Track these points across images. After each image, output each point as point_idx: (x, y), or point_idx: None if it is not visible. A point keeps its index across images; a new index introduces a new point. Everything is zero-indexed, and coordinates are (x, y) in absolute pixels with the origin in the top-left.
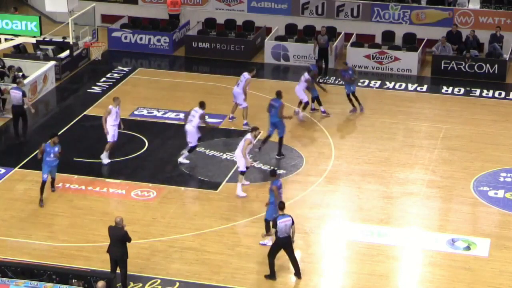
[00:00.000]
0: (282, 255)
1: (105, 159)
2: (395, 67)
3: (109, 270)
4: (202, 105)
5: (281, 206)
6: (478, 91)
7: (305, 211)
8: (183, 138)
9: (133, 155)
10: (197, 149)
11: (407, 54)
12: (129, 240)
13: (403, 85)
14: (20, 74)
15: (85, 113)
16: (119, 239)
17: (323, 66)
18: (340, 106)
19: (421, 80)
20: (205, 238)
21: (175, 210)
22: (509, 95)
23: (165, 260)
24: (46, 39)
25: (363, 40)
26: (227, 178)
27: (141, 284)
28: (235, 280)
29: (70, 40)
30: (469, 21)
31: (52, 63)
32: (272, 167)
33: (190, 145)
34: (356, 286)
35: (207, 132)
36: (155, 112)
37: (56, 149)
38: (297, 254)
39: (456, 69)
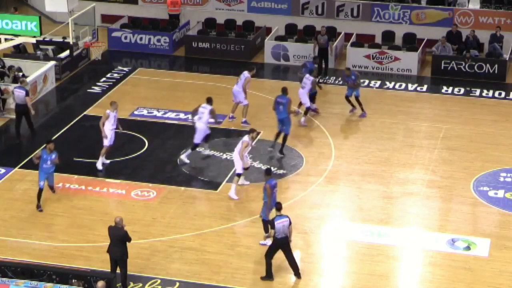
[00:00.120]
0: (279, 256)
1: (100, 165)
2: (395, 67)
3: (109, 270)
4: (210, 100)
5: (278, 206)
6: (478, 91)
7: (305, 211)
8: (183, 138)
9: (133, 155)
10: (197, 149)
11: (407, 54)
12: (129, 240)
13: (403, 85)
14: (20, 74)
15: (85, 113)
16: (119, 239)
17: (323, 66)
18: (340, 106)
19: (421, 80)
20: (205, 238)
21: (175, 210)
22: (509, 95)
23: (165, 260)
24: (46, 39)
25: (363, 40)
26: (227, 178)
27: (141, 284)
28: (235, 280)
29: (70, 40)
30: (469, 21)
31: (52, 63)
32: (272, 167)
33: (195, 141)
34: (356, 286)
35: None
36: (155, 112)
37: (53, 156)
38: (297, 254)
39: (456, 69)
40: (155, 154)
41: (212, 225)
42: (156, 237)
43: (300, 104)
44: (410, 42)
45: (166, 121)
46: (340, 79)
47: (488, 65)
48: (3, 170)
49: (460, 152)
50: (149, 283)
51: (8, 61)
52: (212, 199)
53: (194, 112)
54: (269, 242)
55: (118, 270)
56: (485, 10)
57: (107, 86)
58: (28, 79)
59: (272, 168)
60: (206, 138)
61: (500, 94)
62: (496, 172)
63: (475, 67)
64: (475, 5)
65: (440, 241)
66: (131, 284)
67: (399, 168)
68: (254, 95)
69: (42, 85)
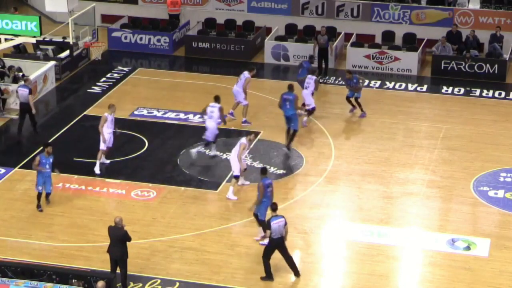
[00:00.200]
0: (277, 256)
1: (97, 169)
2: (395, 67)
3: (109, 270)
4: (217, 98)
5: (274, 207)
6: (478, 91)
7: (305, 211)
8: (183, 138)
9: (133, 155)
10: (203, 149)
11: (407, 54)
12: (129, 239)
13: (403, 85)
14: (20, 74)
15: (85, 113)
16: (119, 239)
17: (323, 66)
18: (339, 106)
19: (421, 80)
20: (205, 238)
21: (175, 210)
22: (509, 95)
23: (165, 260)
24: (46, 39)
25: (363, 40)
26: (227, 178)
27: (141, 284)
28: (235, 280)
29: (70, 40)
30: (469, 21)
31: (52, 63)
32: (272, 167)
33: (207, 139)
34: (356, 286)
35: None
36: (155, 112)
37: (51, 160)
38: (297, 254)
39: (456, 69)
40: (155, 154)
41: (212, 225)
42: (156, 237)
43: (303, 104)
44: (410, 42)
45: (166, 121)
46: (340, 79)
47: (488, 65)
48: (3, 170)
49: (460, 152)
50: (149, 283)
51: (8, 61)
52: (212, 199)
53: (204, 112)
54: (266, 241)
55: (118, 270)
56: (485, 10)
57: (107, 86)
58: None
59: (272, 168)
60: (215, 138)
61: (500, 94)
62: (496, 172)
63: (475, 67)
64: (475, 5)
65: (440, 241)
66: (131, 284)
67: (399, 168)
68: (254, 95)
69: (42, 85)
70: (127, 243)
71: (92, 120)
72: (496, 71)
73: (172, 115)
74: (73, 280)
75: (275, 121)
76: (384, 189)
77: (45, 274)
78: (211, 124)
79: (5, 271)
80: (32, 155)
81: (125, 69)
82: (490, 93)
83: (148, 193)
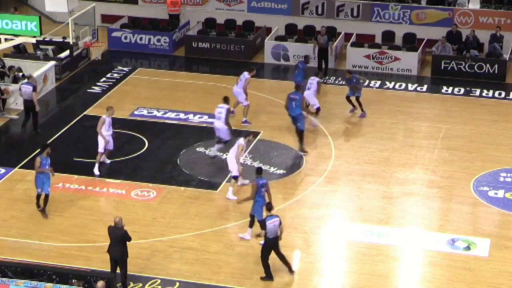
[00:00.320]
0: (275, 255)
1: (96, 170)
2: (395, 67)
3: (109, 270)
4: (226, 99)
5: (269, 207)
6: (478, 91)
7: (305, 211)
8: (183, 138)
9: (133, 155)
10: (197, 149)
11: (407, 54)
12: (129, 239)
13: (403, 85)
14: (20, 74)
15: (85, 113)
16: (119, 239)
17: (323, 66)
18: (340, 106)
19: (421, 80)
20: (205, 238)
21: (175, 210)
22: (509, 95)
23: (165, 260)
24: (46, 39)
25: (363, 40)
26: (227, 178)
27: (141, 284)
28: (235, 280)
29: (70, 40)
30: (469, 21)
31: (52, 63)
32: (272, 167)
33: (224, 139)
34: (356, 286)
35: (207, 133)
36: (155, 112)
37: (49, 160)
38: (297, 254)
39: (456, 69)
40: (155, 154)
41: (212, 225)
42: (156, 237)
43: (307, 106)
44: (410, 42)
45: (166, 121)
46: (340, 79)
47: (488, 65)
48: (3, 170)
49: (460, 152)
50: (149, 283)
51: (8, 61)
52: (212, 199)
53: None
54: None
55: (118, 270)
56: (485, 10)
57: (107, 86)
58: None
59: (272, 168)
60: (230, 136)
61: (500, 94)
62: (496, 172)
63: (475, 67)
64: (475, 5)
65: (440, 241)
66: (131, 284)
67: (399, 168)
68: (254, 95)
69: (42, 85)
70: (127, 243)
71: (92, 120)
72: (496, 71)
73: (172, 115)
74: (73, 280)
75: (275, 121)
76: (384, 189)
77: (45, 274)
78: (220, 124)
79: (5, 271)
80: (32, 155)
81: (125, 69)
82: (490, 93)
83: (148, 193)
